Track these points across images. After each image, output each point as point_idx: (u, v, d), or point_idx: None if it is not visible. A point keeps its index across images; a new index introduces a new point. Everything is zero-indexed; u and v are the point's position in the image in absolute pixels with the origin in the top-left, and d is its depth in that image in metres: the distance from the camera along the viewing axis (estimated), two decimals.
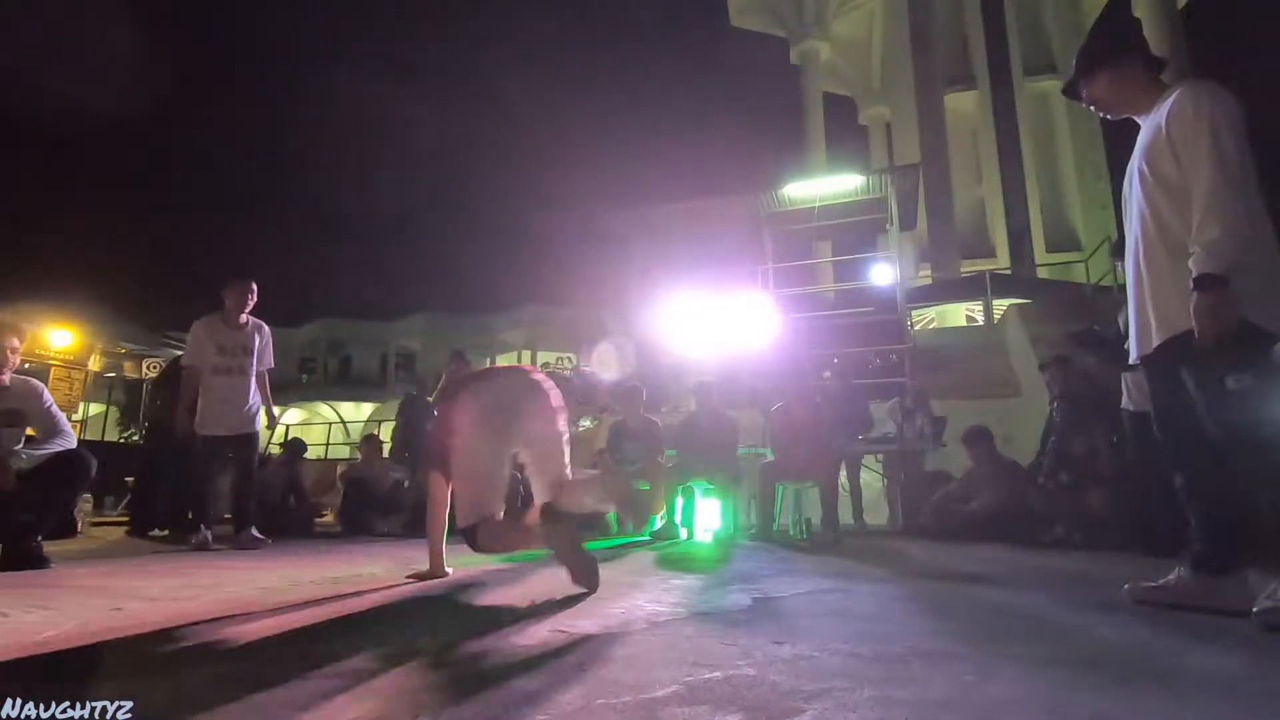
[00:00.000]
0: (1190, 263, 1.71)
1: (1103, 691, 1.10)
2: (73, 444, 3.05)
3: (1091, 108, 2.09)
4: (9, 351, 2.97)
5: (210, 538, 3.76)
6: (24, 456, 2.85)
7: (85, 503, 4.99)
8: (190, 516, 4.22)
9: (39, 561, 2.74)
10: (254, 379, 4.07)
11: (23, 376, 3.10)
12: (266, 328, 4.20)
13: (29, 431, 3.00)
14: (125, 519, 5.57)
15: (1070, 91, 2.12)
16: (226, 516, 4.38)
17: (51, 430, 3.01)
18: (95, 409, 12.32)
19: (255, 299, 4.10)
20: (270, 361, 4.20)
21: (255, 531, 3.96)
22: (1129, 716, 0.99)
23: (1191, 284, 1.70)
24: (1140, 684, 1.14)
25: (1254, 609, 1.61)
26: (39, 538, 2.86)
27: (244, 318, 4.08)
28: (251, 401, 4.05)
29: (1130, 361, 2.06)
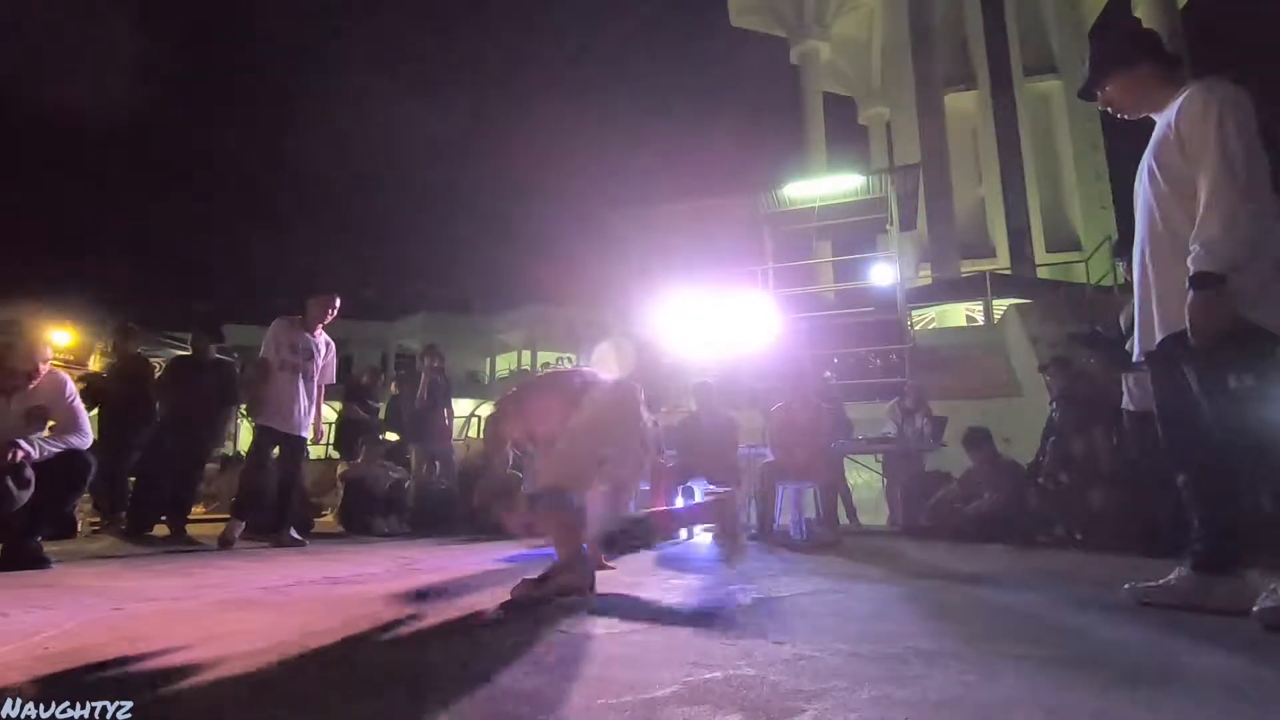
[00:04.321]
0: (1189, 260, 1.71)
1: (1103, 691, 1.10)
2: (87, 442, 3.06)
3: (1108, 109, 2.08)
4: (40, 363, 2.99)
5: (237, 534, 3.86)
6: (35, 451, 2.84)
7: (85, 503, 4.98)
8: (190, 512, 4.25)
9: (39, 562, 2.74)
10: (314, 387, 4.23)
11: (51, 369, 3.11)
12: (334, 345, 4.40)
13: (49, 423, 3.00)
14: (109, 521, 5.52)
15: (1085, 94, 2.12)
16: (223, 516, 4.39)
17: (71, 425, 3.02)
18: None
19: (336, 313, 4.29)
20: (333, 377, 4.39)
21: (294, 532, 4.03)
22: (1129, 716, 0.99)
23: (1188, 281, 1.70)
24: (1140, 684, 1.14)
25: (1254, 609, 1.61)
26: (39, 538, 2.86)
27: (319, 328, 4.26)
28: (306, 407, 4.18)
29: (1135, 358, 2.06)
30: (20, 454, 2.75)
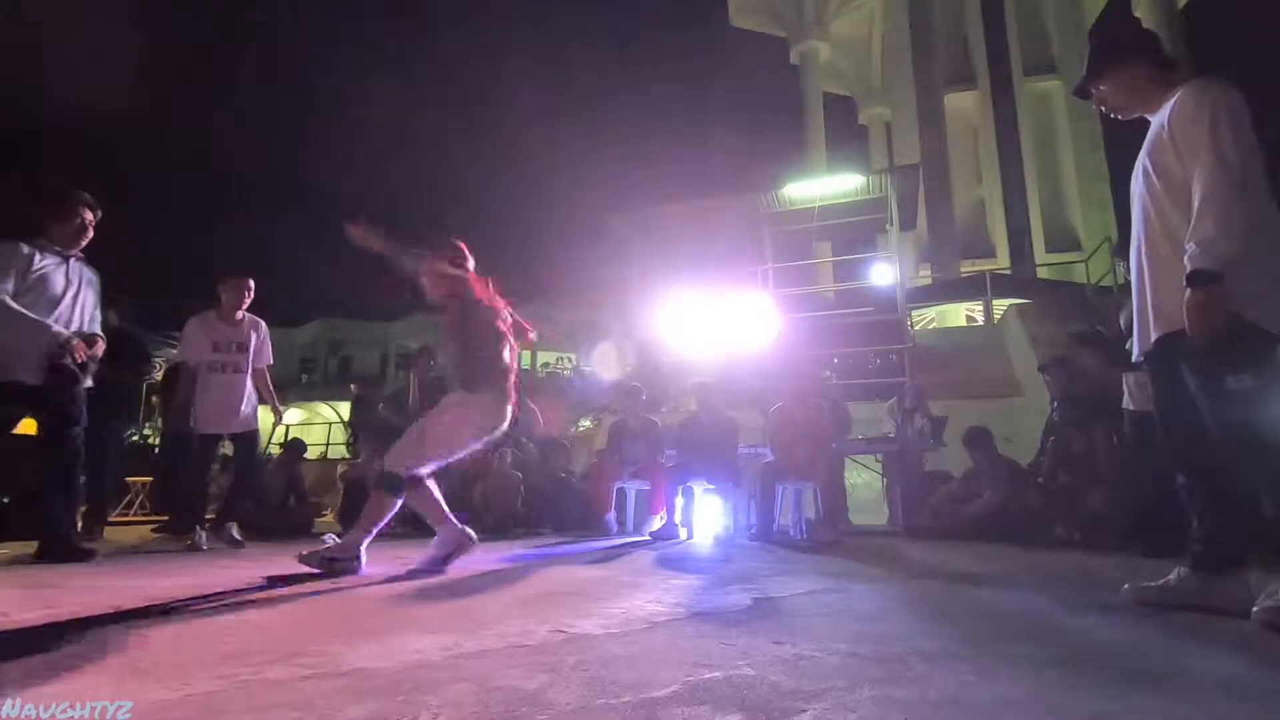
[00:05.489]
0: (1184, 259, 1.71)
1: (1103, 691, 1.10)
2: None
3: (1102, 108, 2.08)
4: (88, 226, 3.16)
5: (204, 539, 3.73)
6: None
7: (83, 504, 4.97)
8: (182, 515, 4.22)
9: (81, 554, 2.87)
10: (250, 376, 4.05)
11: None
12: (264, 324, 4.16)
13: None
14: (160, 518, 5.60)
15: (1081, 92, 2.11)
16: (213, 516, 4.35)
17: (96, 312, 3.26)
18: None
19: (252, 296, 4.07)
20: (269, 358, 4.18)
21: (235, 532, 3.89)
22: (1129, 716, 0.99)
23: (1184, 280, 1.70)
24: (1140, 684, 1.15)
25: (1254, 609, 1.61)
26: (76, 528, 3.06)
27: (240, 314, 4.05)
28: (249, 400, 4.02)
29: (1134, 359, 2.06)
30: (100, 348, 3.14)
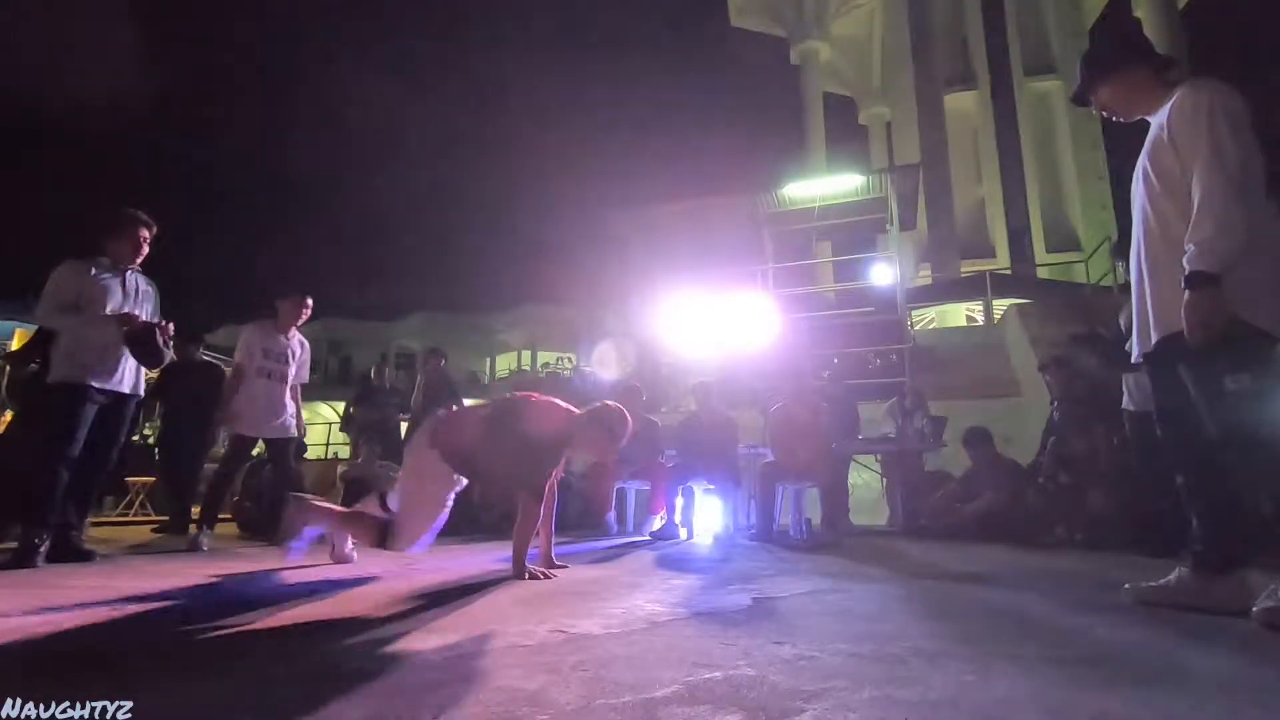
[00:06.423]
0: (1184, 260, 1.71)
1: (1102, 691, 1.10)
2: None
3: (1102, 112, 2.08)
4: (144, 243, 3.26)
5: (204, 539, 3.72)
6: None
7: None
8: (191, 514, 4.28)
9: (83, 555, 2.97)
10: (290, 388, 4.22)
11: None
12: (308, 344, 4.40)
13: None
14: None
15: (1079, 98, 2.11)
16: (224, 516, 4.41)
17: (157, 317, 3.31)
18: None
19: (309, 313, 4.28)
20: (306, 376, 4.38)
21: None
22: (1129, 716, 0.99)
23: (1182, 282, 1.70)
24: (1140, 684, 1.15)
25: (1254, 609, 1.62)
26: (81, 533, 3.10)
27: (293, 330, 4.26)
28: (288, 407, 4.18)
29: (1133, 359, 2.06)
30: (170, 327, 3.22)
